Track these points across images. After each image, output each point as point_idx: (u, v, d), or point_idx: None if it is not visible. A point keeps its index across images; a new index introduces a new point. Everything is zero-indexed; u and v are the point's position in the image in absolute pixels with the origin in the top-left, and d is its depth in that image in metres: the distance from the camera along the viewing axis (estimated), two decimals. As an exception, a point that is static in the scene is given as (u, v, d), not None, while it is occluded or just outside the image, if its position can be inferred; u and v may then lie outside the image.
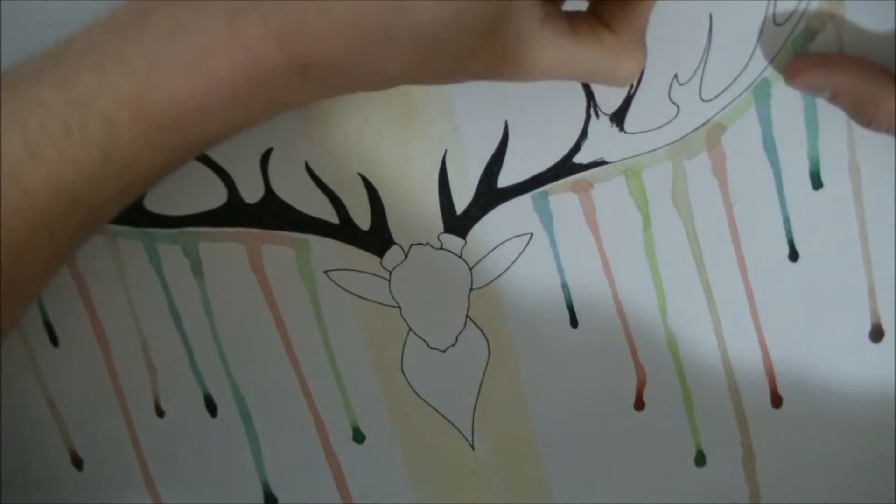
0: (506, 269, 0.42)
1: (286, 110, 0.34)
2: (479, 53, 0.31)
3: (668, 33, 0.39)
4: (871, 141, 0.40)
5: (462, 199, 0.41)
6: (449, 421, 0.44)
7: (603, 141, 0.40)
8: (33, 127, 0.30)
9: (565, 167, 0.40)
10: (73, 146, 0.30)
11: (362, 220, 0.41)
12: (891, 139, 0.40)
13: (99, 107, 0.30)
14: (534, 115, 0.39)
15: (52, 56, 0.31)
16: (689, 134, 0.40)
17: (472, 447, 0.44)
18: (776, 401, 0.43)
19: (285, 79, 0.30)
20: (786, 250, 0.41)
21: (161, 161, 0.33)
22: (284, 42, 0.29)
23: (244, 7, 0.29)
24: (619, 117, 0.39)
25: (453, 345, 0.43)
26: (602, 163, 0.40)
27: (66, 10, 0.35)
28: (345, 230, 0.41)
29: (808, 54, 0.39)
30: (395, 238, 0.41)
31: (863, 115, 0.38)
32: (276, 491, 0.44)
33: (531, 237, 0.41)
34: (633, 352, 0.43)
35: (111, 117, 0.30)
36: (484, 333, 0.42)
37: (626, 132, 0.40)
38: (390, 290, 0.42)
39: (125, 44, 0.30)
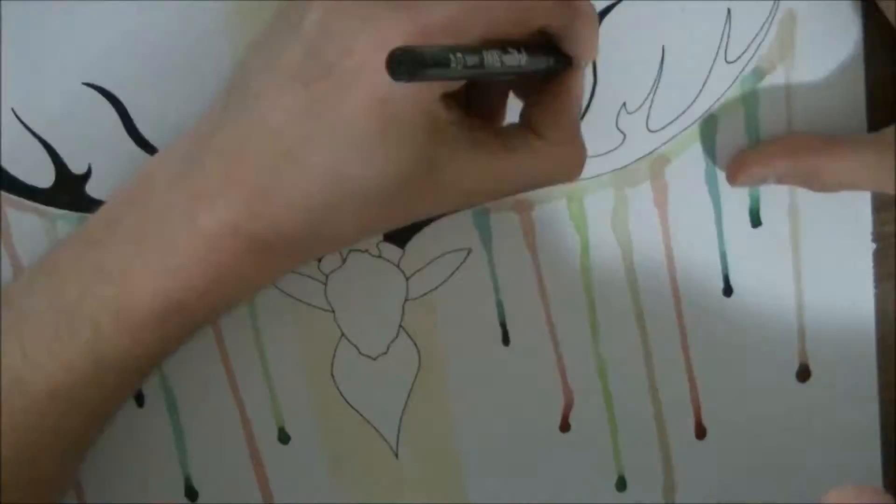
0: (442, 283, 0.42)
1: (261, 289, 0.38)
2: (425, 196, 0.32)
3: (620, 61, 0.39)
4: (812, 184, 0.40)
5: (403, 209, 0.41)
6: (375, 428, 0.44)
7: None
8: (28, 335, 0.33)
9: (508, 186, 0.40)
10: (64, 351, 0.33)
11: (302, 222, 0.41)
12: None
13: (83, 312, 0.32)
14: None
15: (41, 269, 0.34)
16: (633, 163, 0.40)
17: (396, 455, 0.44)
18: (700, 432, 0.44)
19: (250, 261, 0.32)
20: (720, 285, 0.42)
21: (152, 354, 0.35)
22: (239, 231, 0.31)
23: (200, 204, 0.31)
24: (564, 141, 0.39)
25: (384, 353, 0.43)
26: (545, 185, 0.40)
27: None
28: (284, 231, 0.41)
29: (741, 153, 0.40)
30: (334, 243, 0.41)
31: (812, 186, 0.39)
32: (197, 486, 0.44)
33: (469, 252, 0.41)
34: (563, 374, 0.43)
35: (96, 321, 0.32)
36: (416, 344, 0.42)
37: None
38: (326, 294, 0.42)
39: (98, 252, 0.33)
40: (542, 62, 0.33)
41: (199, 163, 0.32)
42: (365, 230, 0.34)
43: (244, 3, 0.37)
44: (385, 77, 0.26)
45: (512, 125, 0.35)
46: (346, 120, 0.30)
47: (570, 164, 0.34)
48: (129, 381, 0.36)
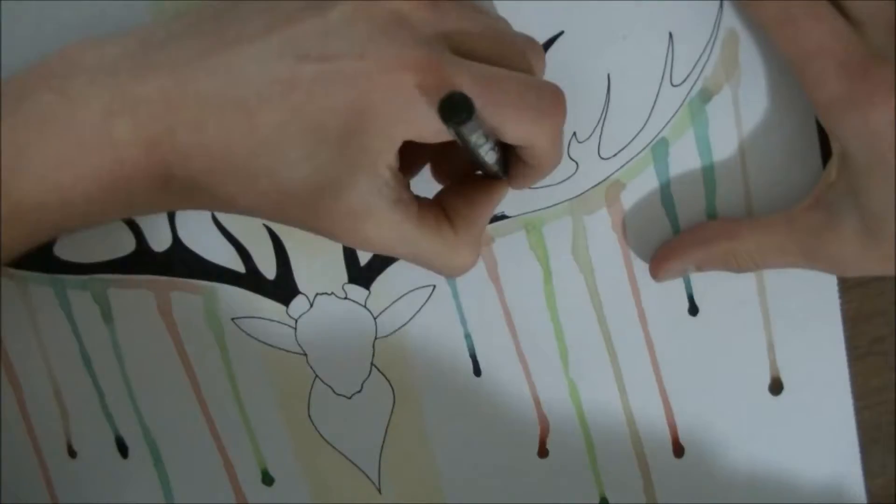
0: (409, 319, 0.42)
1: (148, 214, 0.33)
2: (327, 215, 0.31)
3: (567, 92, 0.39)
4: (768, 199, 0.40)
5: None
6: (356, 465, 0.44)
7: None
8: None
9: (466, 221, 0.40)
10: None
11: (268, 269, 0.42)
12: (786, 195, 0.40)
13: None
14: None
15: None
16: (588, 190, 0.40)
17: (379, 491, 0.45)
18: (678, 450, 0.44)
19: (147, 186, 0.30)
20: (685, 304, 0.42)
21: (15, 245, 0.32)
22: (151, 150, 0.29)
23: (120, 108, 0.29)
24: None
25: (359, 391, 0.43)
26: (503, 217, 0.41)
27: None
28: (251, 279, 0.42)
29: (658, 250, 0.41)
30: (301, 287, 0.42)
31: (730, 268, 0.40)
32: (186, 531, 0.45)
33: (434, 288, 0.42)
34: (536, 401, 0.43)
35: None
36: (389, 381, 0.43)
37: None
38: (296, 338, 0.43)
39: None
40: (495, 164, 0.34)
41: (141, 69, 0.30)
42: (256, 210, 0.32)
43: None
44: (372, 95, 0.27)
45: (429, 200, 0.34)
46: (315, 110, 0.29)
47: (462, 261, 0.34)
48: None
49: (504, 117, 0.30)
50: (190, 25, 0.31)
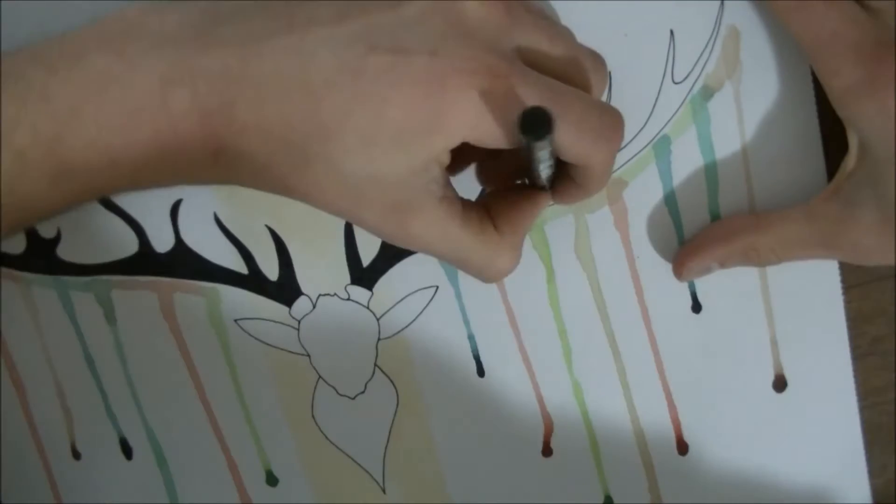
0: (412, 321, 0.42)
1: (193, 184, 0.33)
2: (375, 207, 0.31)
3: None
4: (770, 195, 0.40)
5: (368, 251, 0.41)
6: (360, 465, 0.44)
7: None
8: None
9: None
10: None
11: (270, 270, 0.42)
12: (789, 191, 0.40)
13: (13, 140, 0.29)
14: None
15: None
16: (590, 189, 0.40)
17: (384, 491, 0.45)
18: (682, 448, 0.44)
19: (197, 157, 0.30)
20: (689, 302, 0.42)
21: (60, 203, 0.32)
22: (206, 121, 0.29)
23: (180, 76, 0.29)
24: (521, 172, 0.40)
25: (362, 392, 0.43)
26: (505, 216, 0.41)
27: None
28: (254, 280, 0.42)
29: (679, 251, 0.41)
30: (303, 289, 0.42)
31: (753, 263, 0.40)
32: (190, 533, 0.45)
33: (437, 290, 0.42)
34: (540, 400, 0.43)
35: (23, 152, 0.29)
36: (392, 382, 0.43)
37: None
38: (299, 339, 0.43)
39: (52, 81, 0.29)
40: (548, 179, 0.34)
41: (205, 40, 0.29)
42: (306, 195, 0.31)
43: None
44: (439, 93, 0.27)
45: (473, 202, 0.34)
46: (379, 101, 0.29)
47: (504, 264, 0.34)
48: (27, 221, 0.32)
49: (566, 134, 0.31)
50: (259, 3, 0.31)
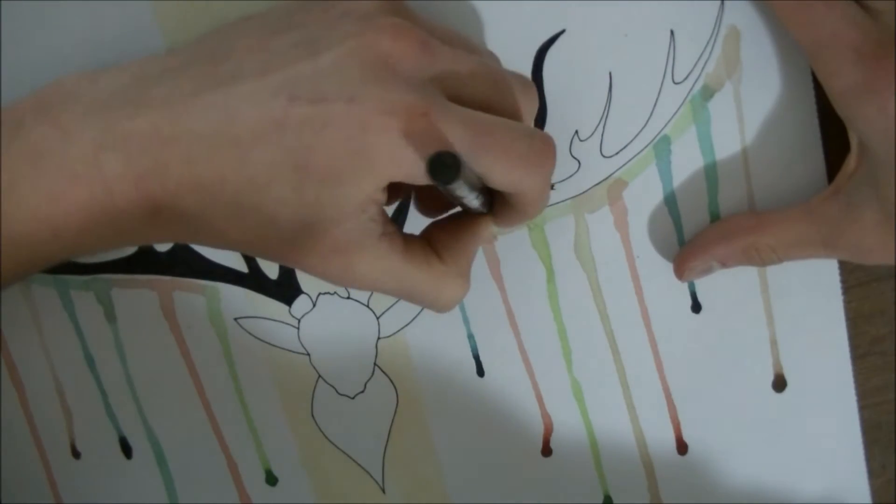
0: (412, 320, 0.42)
1: (135, 245, 0.34)
2: (314, 251, 0.31)
3: (569, 90, 0.39)
4: (770, 196, 0.40)
5: (368, 250, 0.41)
6: (359, 465, 0.44)
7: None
8: None
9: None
10: None
11: (270, 269, 0.42)
12: (789, 192, 0.40)
13: None
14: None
15: None
16: (590, 188, 0.40)
17: (383, 490, 0.45)
18: (682, 448, 0.44)
19: (135, 219, 0.30)
20: (688, 302, 0.42)
21: (9, 276, 0.32)
22: (141, 184, 0.30)
23: (112, 141, 0.30)
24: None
25: (362, 392, 0.43)
26: (505, 216, 0.41)
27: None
28: (254, 279, 0.42)
29: (680, 252, 0.41)
30: (303, 287, 0.42)
31: (753, 263, 0.40)
32: (190, 532, 0.45)
33: (436, 288, 0.41)
34: (540, 400, 0.43)
35: None
36: (392, 381, 0.43)
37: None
38: (299, 338, 0.43)
39: None
40: (480, 208, 0.34)
41: (134, 104, 0.30)
42: (245, 245, 0.32)
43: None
44: (361, 138, 0.27)
45: (415, 236, 0.34)
46: (304, 150, 0.29)
47: (453, 292, 0.34)
48: None
49: (493, 165, 0.31)
50: (184, 62, 0.32)
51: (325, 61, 0.30)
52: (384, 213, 0.32)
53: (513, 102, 0.33)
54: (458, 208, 0.37)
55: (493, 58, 0.35)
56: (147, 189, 0.30)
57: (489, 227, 0.36)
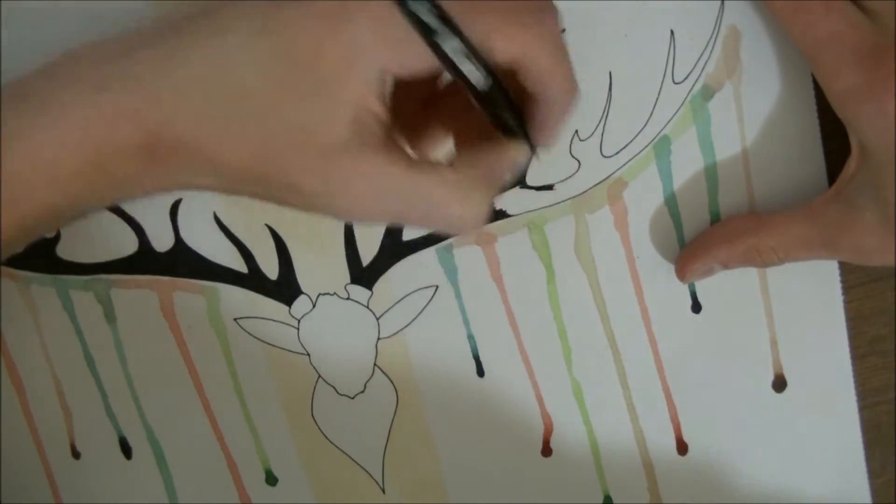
0: (412, 320, 0.42)
1: (133, 193, 0.33)
2: (308, 165, 0.30)
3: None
4: (770, 196, 0.40)
5: (368, 251, 0.41)
6: (359, 465, 0.44)
7: (504, 194, 0.40)
8: None
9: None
10: None
11: (270, 269, 0.42)
12: (789, 192, 0.40)
13: None
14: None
15: None
16: (590, 189, 0.40)
17: (383, 490, 0.45)
18: (682, 448, 0.44)
19: (133, 156, 0.30)
20: (688, 302, 0.42)
21: (8, 226, 0.31)
22: (136, 117, 0.29)
23: (109, 82, 0.30)
24: (521, 172, 0.40)
25: (362, 392, 0.43)
26: (504, 215, 0.41)
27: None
28: (253, 279, 0.42)
29: (682, 253, 0.41)
30: (303, 288, 0.42)
31: (754, 264, 0.39)
32: (190, 532, 0.45)
33: (436, 289, 0.42)
34: (540, 400, 0.43)
35: None
36: (392, 381, 0.43)
37: (527, 186, 0.40)
38: (299, 338, 0.43)
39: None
40: (501, 106, 0.31)
41: (129, 47, 0.31)
42: (243, 166, 0.30)
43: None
44: (351, 25, 0.27)
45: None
46: (295, 49, 0.29)
47: (475, 206, 0.30)
48: None
49: (489, 28, 0.28)
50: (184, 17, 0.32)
51: None
52: (386, 119, 0.30)
53: None
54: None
55: None
56: (143, 122, 0.30)
57: (524, 150, 0.32)
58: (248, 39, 0.30)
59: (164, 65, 0.30)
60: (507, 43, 0.29)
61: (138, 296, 0.42)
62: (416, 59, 0.29)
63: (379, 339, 0.42)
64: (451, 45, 0.28)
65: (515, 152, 0.32)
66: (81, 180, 0.31)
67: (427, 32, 0.28)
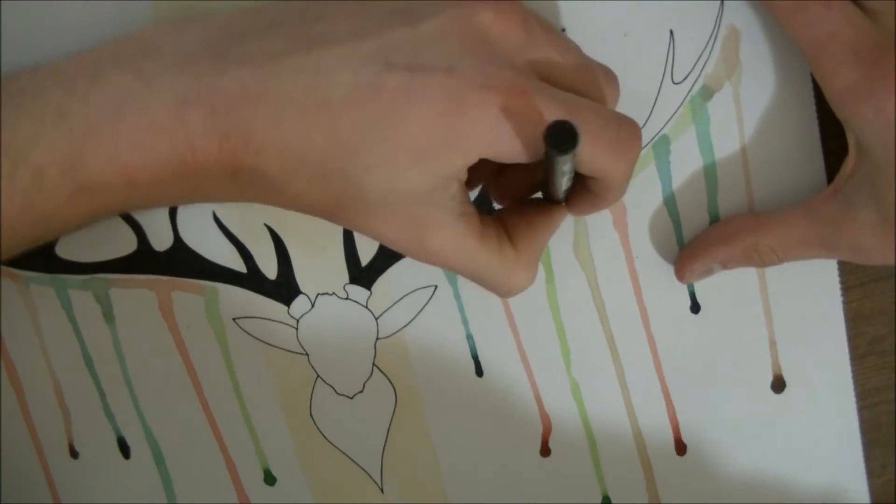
0: (411, 320, 0.42)
1: (209, 202, 0.33)
2: (393, 222, 0.31)
3: (567, 90, 0.39)
4: (770, 196, 0.40)
5: (367, 251, 0.41)
6: (358, 465, 0.44)
7: (504, 195, 0.40)
8: None
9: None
10: None
11: (269, 269, 0.42)
12: (788, 192, 0.40)
13: (31, 158, 0.29)
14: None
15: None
16: (589, 189, 0.40)
17: (381, 490, 0.45)
18: (680, 448, 0.44)
19: (215, 176, 0.30)
20: (687, 302, 0.42)
21: (77, 220, 0.31)
22: (224, 143, 0.29)
23: (197, 96, 0.29)
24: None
25: (360, 392, 0.43)
26: (504, 216, 0.41)
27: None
28: (252, 279, 0.42)
29: (681, 253, 0.41)
30: (302, 288, 0.42)
31: (753, 264, 0.40)
32: (188, 532, 0.45)
33: (435, 289, 0.42)
34: (539, 400, 0.43)
35: (41, 170, 0.29)
36: (391, 381, 0.43)
37: (527, 186, 0.40)
38: (298, 338, 0.42)
39: (70, 99, 0.29)
40: (566, 192, 0.34)
41: (221, 60, 0.30)
42: (322, 210, 0.31)
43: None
44: (456, 111, 0.27)
45: (490, 217, 0.34)
46: (397, 119, 0.29)
47: (520, 280, 0.34)
48: (44, 238, 0.32)
49: (585, 147, 0.30)
50: (274, 21, 0.31)
51: (426, 29, 0.30)
52: (465, 192, 0.31)
53: (599, 88, 0.33)
54: (534, 196, 0.37)
55: (577, 46, 0.35)
56: (230, 148, 0.30)
57: (563, 215, 0.36)
58: (357, 98, 0.29)
59: (261, 90, 0.29)
60: (597, 165, 0.31)
61: (137, 295, 0.42)
62: (513, 154, 0.30)
63: (378, 338, 0.42)
64: (563, 163, 0.29)
65: (559, 217, 0.35)
66: (159, 188, 0.31)
67: (557, 158, 0.29)
